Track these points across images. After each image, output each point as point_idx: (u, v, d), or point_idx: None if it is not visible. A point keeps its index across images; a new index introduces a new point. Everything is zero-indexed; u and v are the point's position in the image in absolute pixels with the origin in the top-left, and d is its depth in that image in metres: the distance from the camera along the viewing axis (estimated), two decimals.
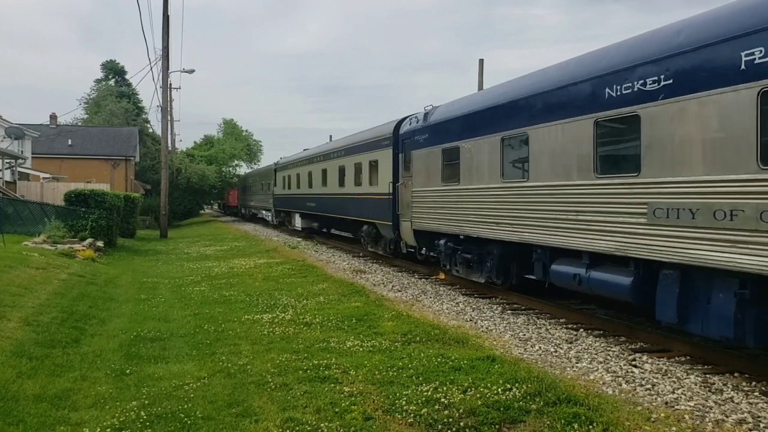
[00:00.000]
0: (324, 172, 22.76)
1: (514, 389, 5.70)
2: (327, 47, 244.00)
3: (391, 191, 15.33)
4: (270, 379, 6.27)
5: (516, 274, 10.99)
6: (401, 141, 14.93)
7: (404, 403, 5.49)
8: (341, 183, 20.24)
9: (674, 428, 4.94)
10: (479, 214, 11.06)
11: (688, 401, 5.64)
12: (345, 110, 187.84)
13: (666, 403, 5.61)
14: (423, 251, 14.80)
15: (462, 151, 11.71)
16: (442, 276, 13.95)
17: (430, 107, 13.75)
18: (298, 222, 28.25)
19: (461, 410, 5.30)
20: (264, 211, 39.27)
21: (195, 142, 64.69)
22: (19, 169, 31.80)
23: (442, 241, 12.82)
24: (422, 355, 7.00)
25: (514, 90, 10.31)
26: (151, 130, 51.45)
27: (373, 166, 17.03)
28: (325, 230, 27.27)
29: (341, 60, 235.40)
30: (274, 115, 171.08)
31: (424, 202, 13.45)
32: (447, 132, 12.40)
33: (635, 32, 8.63)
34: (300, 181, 26.93)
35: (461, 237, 11.96)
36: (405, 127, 14.97)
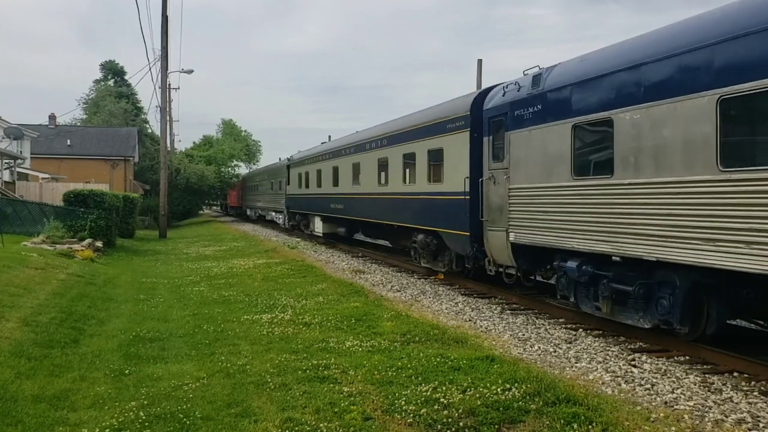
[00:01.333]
0: (356, 167, 18.74)
1: (514, 389, 5.69)
2: (327, 47, 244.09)
3: (467, 189, 11.30)
4: (269, 379, 6.27)
5: (716, 318, 7.30)
6: (488, 120, 10.88)
7: (403, 403, 5.49)
8: (382, 180, 16.24)
9: (674, 428, 4.94)
10: (662, 224, 7.04)
11: (688, 401, 5.64)
12: (345, 110, 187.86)
13: (665, 402, 5.61)
14: (530, 275, 10.81)
15: (619, 125, 7.69)
16: (441, 276, 13.95)
17: (537, 69, 9.90)
18: (317, 226, 23.95)
19: (460, 410, 5.30)
20: (274, 213, 35.02)
21: (194, 143, 64.70)
22: (18, 169, 31.78)
23: (569, 263, 8.73)
24: (421, 355, 7.00)
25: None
26: (150, 131, 51.44)
27: (435, 156, 13.02)
28: (352, 237, 22.75)
29: (341, 60, 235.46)
30: (273, 115, 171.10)
31: (533, 204, 9.51)
32: (583, 99, 8.43)
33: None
34: (321, 179, 22.91)
35: (612, 259, 7.94)
36: (494, 100, 10.78)
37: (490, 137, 10.85)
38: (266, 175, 37.85)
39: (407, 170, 14.75)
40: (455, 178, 11.93)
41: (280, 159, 37.46)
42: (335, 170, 21.10)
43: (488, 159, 10.87)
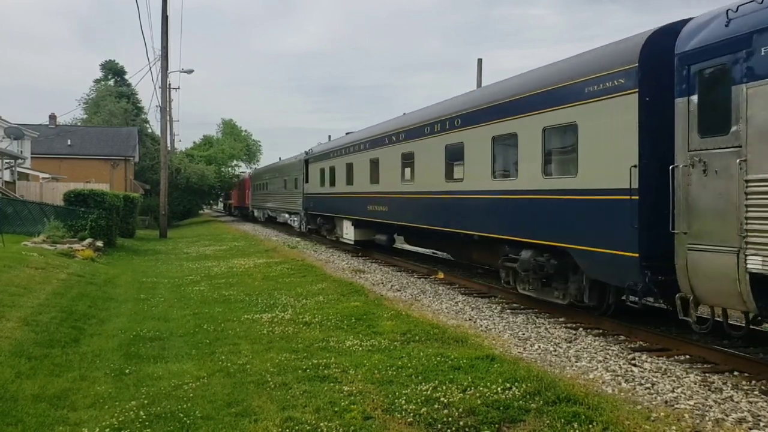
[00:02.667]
0: (407, 158, 14.61)
1: (514, 388, 5.69)
2: (326, 47, 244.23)
3: (634, 185, 7.51)
4: (269, 379, 6.27)
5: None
6: (687, 70, 6.79)
7: (403, 402, 5.49)
8: (454, 174, 12.26)
9: (674, 427, 4.94)
10: None
11: (688, 400, 5.64)
12: (345, 110, 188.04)
13: (666, 402, 5.60)
14: None
15: None
16: (440, 275, 13.94)
17: None
18: (347, 232, 19.90)
19: (461, 409, 5.30)
20: (287, 215, 30.77)
21: (194, 142, 64.71)
22: (19, 169, 31.78)
23: None
24: (421, 354, 7.00)
25: None
26: (150, 131, 51.43)
27: (558, 136, 9.22)
28: (393, 245, 18.77)
29: (341, 60, 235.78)
30: (273, 115, 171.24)
31: None
32: None
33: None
34: (354, 175, 18.76)
35: None
36: (704, 35, 6.72)
37: (695, 97, 6.72)
38: (278, 172, 33.06)
39: (499, 159, 10.76)
40: (602, 168, 8.10)
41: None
42: (374, 164, 16.85)
43: (689, 133, 6.76)
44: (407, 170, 14.75)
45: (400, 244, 19.12)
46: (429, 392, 5.70)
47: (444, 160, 12.64)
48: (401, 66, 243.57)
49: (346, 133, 22.22)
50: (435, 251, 17.84)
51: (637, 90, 7.53)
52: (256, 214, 42.30)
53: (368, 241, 19.07)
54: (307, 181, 25.33)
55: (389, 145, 15.82)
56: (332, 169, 21.26)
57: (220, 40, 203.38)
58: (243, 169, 61.26)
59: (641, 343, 7.91)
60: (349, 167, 19.22)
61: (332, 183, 21.19)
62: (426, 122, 13.72)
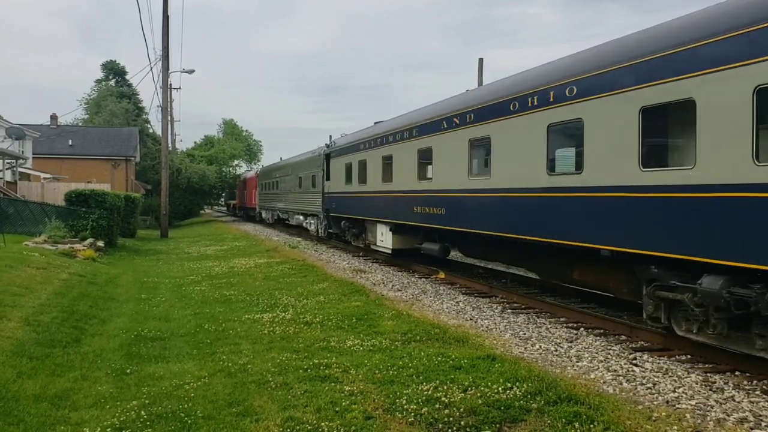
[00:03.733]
0: (478, 145, 11.23)
1: (515, 388, 5.69)
2: (326, 47, 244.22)
3: None
4: (270, 379, 6.27)
5: None
6: None
7: (405, 402, 5.49)
8: (562, 165, 8.96)
9: (675, 427, 4.93)
10: None
11: (689, 400, 5.63)
12: (344, 110, 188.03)
13: (667, 401, 5.60)
14: None
15: None
16: (441, 275, 13.93)
17: None
18: (383, 239, 16.44)
19: (462, 409, 5.30)
20: (302, 217, 26.90)
21: (195, 142, 64.81)
22: (20, 169, 31.81)
23: None
24: (422, 354, 6.99)
25: None
26: (151, 131, 51.49)
27: None
28: (446, 256, 15.06)
29: (340, 60, 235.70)
30: (273, 115, 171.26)
31: None
32: None
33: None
34: (394, 170, 15.21)
35: None
36: None
37: None
38: (291, 169, 29.08)
39: (655, 138, 7.54)
40: None
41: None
42: (425, 155, 13.37)
43: None
44: (477, 162, 11.50)
45: (457, 256, 16.31)
46: (430, 392, 5.70)
47: (545, 146, 9.02)
48: (400, 66, 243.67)
49: (375, 123, 18.48)
50: (507, 266, 14.19)
51: None
52: (264, 215, 38.36)
53: (410, 250, 15.64)
54: (328, 179, 21.68)
55: (448, 130, 12.17)
56: (362, 164, 17.57)
57: (219, 39, 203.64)
58: (244, 168, 61.30)
59: (642, 342, 7.90)
60: (387, 161, 15.62)
61: (362, 180, 17.50)
62: (513, 95, 9.88)
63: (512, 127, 9.98)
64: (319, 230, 23.55)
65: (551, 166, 9.07)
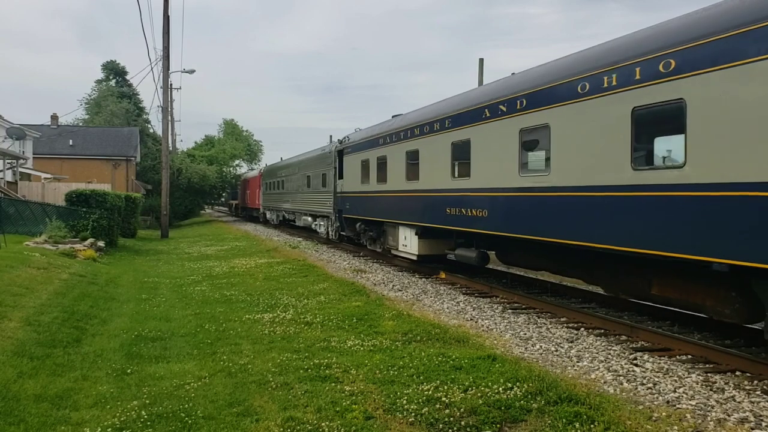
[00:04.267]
0: (533, 136, 9.66)
1: (515, 388, 5.69)
2: (325, 47, 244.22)
3: None
4: (271, 379, 6.27)
5: None
6: None
7: (405, 402, 5.49)
8: (646, 159, 7.74)
9: (676, 427, 4.93)
10: None
11: (690, 400, 5.63)
12: (343, 110, 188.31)
13: (667, 402, 5.60)
14: None
15: None
16: (442, 275, 13.93)
17: None
18: (408, 243, 14.66)
19: (462, 409, 5.30)
20: (310, 218, 25.43)
21: (196, 142, 64.85)
22: (21, 169, 31.81)
23: None
24: (423, 354, 7.00)
25: None
26: (151, 131, 51.50)
27: None
28: (484, 264, 12.47)
29: (339, 60, 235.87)
30: (272, 115, 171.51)
31: None
32: None
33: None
34: (421, 166, 13.42)
35: None
36: None
37: None
38: (298, 167, 27.49)
39: None
40: None
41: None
42: (460, 149, 11.64)
43: None
44: (531, 155, 9.81)
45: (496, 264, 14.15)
46: (430, 392, 5.70)
47: (630, 133, 7.47)
48: (399, 66, 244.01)
49: (393, 116, 16.65)
50: (560, 278, 12.54)
51: None
52: (268, 216, 36.48)
53: (437, 257, 14.20)
54: (341, 177, 20.09)
55: (492, 119, 10.46)
56: (382, 161, 15.90)
57: (219, 39, 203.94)
58: (245, 168, 61.29)
59: (643, 342, 7.90)
60: (412, 157, 13.93)
61: (382, 178, 15.84)
62: (585, 74, 8.31)
63: (582, 113, 8.33)
64: (330, 232, 21.97)
65: (641, 160, 7.55)
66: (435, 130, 12.84)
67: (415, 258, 14.38)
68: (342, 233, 20.64)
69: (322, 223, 23.32)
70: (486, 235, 10.95)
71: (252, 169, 53.08)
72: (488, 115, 10.68)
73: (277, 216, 33.80)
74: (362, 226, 18.33)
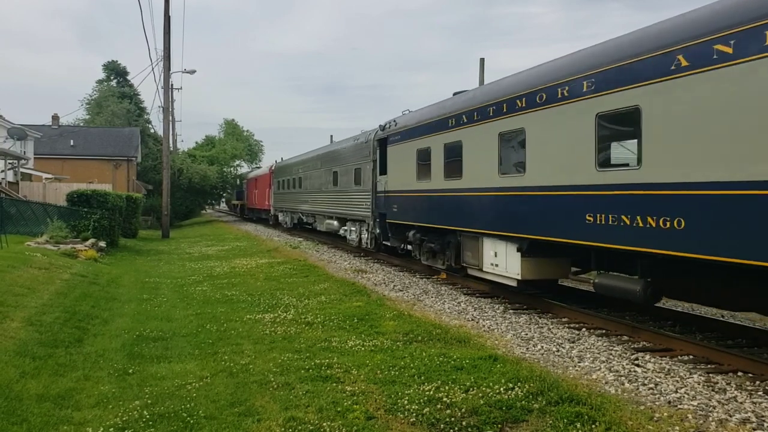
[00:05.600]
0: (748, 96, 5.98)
1: (517, 388, 5.69)
2: (325, 47, 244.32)
3: None
4: (272, 379, 6.28)
5: None
6: None
7: (406, 402, 5.49)
8: None
9: (677, 427, 4.93)
10: None
11: (692, 400, 5.63)
12: (343, 110, 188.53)
13: (669, 402, 5.60)
14: None
15: None
16: (443, 276, 13.92)
17: None
18: (503, 261, 10.55)
19: (463, 409, 5.30)
20: (335, 222, 21.30)
21: (196, 143, 64.92)
22: (22, 169, 31.84)
23: None
24: (424, 354, 7.00)
25: None
26: (152, 131, 51.54)
27: None
28: (657, 299, 8.15)
29: (339, 60, 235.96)
30: (272, 115, 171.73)
31: None
32: None
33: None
34: (532, 153, 9.50)
35: None
36: None
37: None
38: (321, 161, 23.66)
39: None
40: None
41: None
42: (614, 120, 7.98)
43: None
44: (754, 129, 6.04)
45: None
46: (431, 392, 5.70)
47: None
48: (399, 66, 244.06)
49: (454, 94, 13.03)
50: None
51: None
52: (280, 218, 32.42)
53: (547, 282, 10.80)
54: (383, 173, 16.21)
55: (679, 74, 6.77)
56: (453, 148, 11.96)
57: (219, 39, 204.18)
58: (245, 168, 61.28)
59: (644, 343, 7.90)
60: (512, 139, 10.09)
61: (453, 172, 11.98)
62: None
63: None
64: (365, 240, 17.95)
65: None
66: (562, 98, 8.73)
67: (514, 283, 10.32)
68: (383, 242, 16.47)
69: (353, 228, 19.22)
70: (669, 258, 7.03)
71: (258, 167, 50.79)
72: (677, 67, 6.80)
73: (292, 218, 29.95)
74: (417, 234, 14.04)
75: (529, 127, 9.57)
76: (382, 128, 16.45)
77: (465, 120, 11.58)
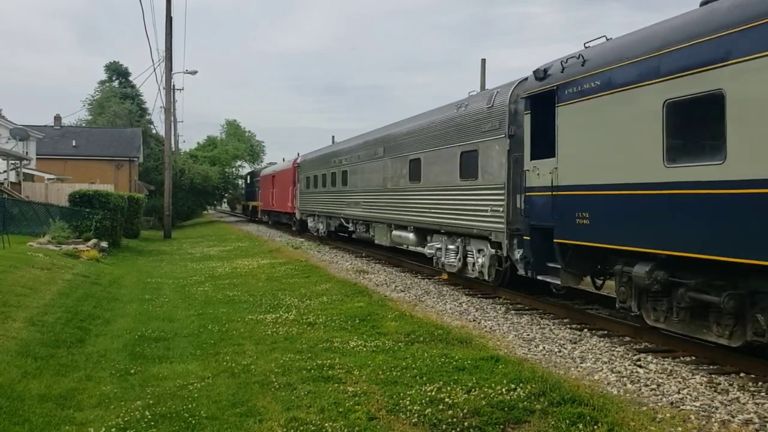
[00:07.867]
0: None
1: (518, 389, 5.68)
2: (325, 47, 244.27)
3: None
4: (274, 379, 6.27)
5: None
6: None
7: (408, 403, 5.48)
8: None
9: (680, 428, 4.92)
10: None
11: (694, 401, 5.62)
12: (344, 110, 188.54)
13: (671, 403, 5.59)
14: None
15: None
16: (445, 276, 13.92)
17: None
18: None
19: (465, 410, 5.29)
20: (413, 236, 14.84)
21: (198, 143, 64.85)
22: (24, 170, 31.86)
23: None
24: (426, 355, 6.99)
25: None
26: (154, 131, 51.61)
27: None
28: None
29: (340, 60, 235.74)
30: (273, 115, 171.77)
31: None
32: None
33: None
34: None
35: None
36: None
37: None
38: (383, 145, 16.76)
39: None
40: None
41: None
42: None
43: None
44: None
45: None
46: (433, 393, 5.70)
47: None
48: (399, 66, 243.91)
49: (701, 4, 6.92)
50: None
51: None
52: (310, 224, 25.90)
53: None
54: (541, 155, 9.29)
55: None
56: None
57: (220, 40, 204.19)
58: (247, 169, 61.25)
59: (647, 344, 7.88)
60: None
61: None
62: None
63: None
64: (479, 267, 11.61)
65: None
66: None
67: None
68: (536, 275, 9.62)
69: (452, 247, 12.75)
70: None
71: (272, 163, 41.19)
72: None
73: (328, 225, 23.24)
74: (656, 272, 7.16)
75: None
76: (542, 74, 9.30)
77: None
